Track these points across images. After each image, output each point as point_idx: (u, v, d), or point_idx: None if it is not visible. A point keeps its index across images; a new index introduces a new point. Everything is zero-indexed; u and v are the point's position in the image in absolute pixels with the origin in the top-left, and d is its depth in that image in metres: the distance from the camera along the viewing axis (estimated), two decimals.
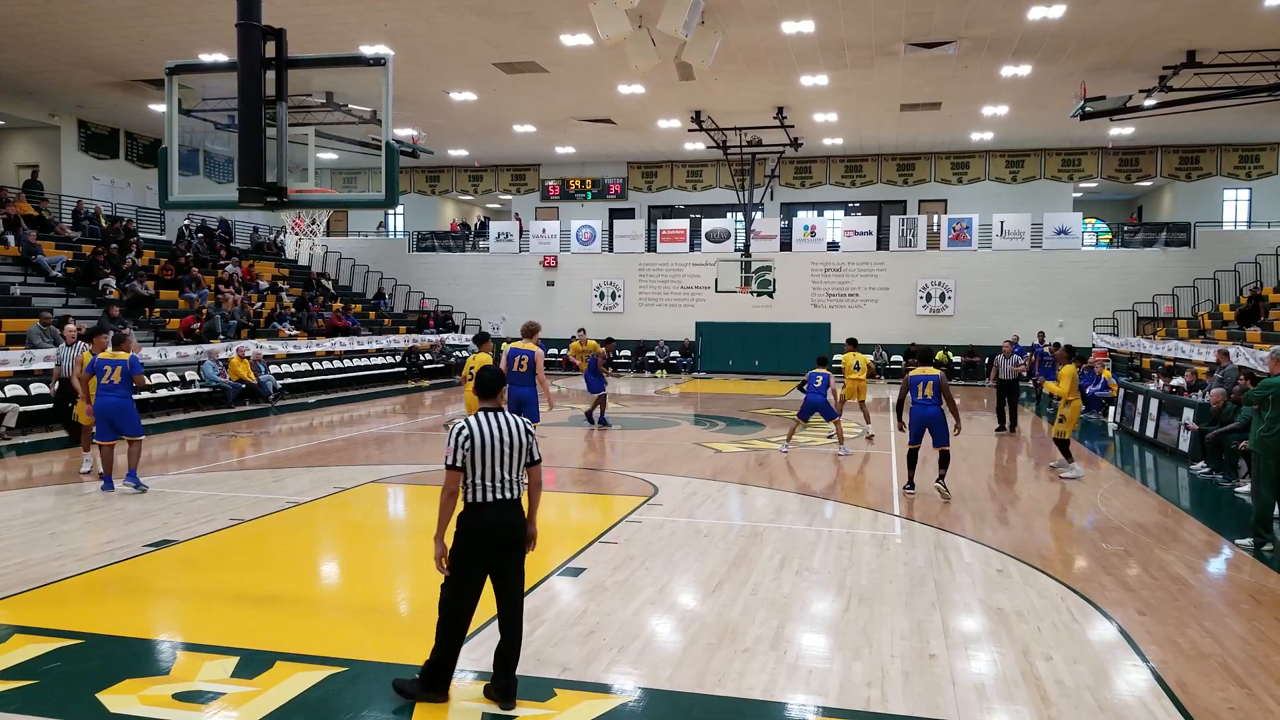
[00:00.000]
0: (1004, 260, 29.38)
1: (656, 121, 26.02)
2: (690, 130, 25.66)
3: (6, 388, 15.23)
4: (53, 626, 5.89)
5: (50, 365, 16.11)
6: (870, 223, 31.03)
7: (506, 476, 4.72)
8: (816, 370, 13.49)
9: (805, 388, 13.56)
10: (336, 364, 24.71)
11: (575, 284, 32.53)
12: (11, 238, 20.88)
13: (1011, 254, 29.34)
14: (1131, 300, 28.32)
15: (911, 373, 10.49)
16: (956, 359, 28.84)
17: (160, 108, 23.33)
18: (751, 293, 27.22)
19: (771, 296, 27.83)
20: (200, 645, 5.64)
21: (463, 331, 32.42)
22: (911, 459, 10.55)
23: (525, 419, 4.93)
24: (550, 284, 32.79)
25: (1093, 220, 36.27)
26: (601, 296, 32.31)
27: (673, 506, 9.81)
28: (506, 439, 4.72)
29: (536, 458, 4.87)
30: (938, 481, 10.34)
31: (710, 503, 10.08)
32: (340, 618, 6.36)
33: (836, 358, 16.67)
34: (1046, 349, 20.79)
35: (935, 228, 30.31)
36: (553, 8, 16.36)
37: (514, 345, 11.61)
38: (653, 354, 30.85)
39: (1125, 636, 6.00)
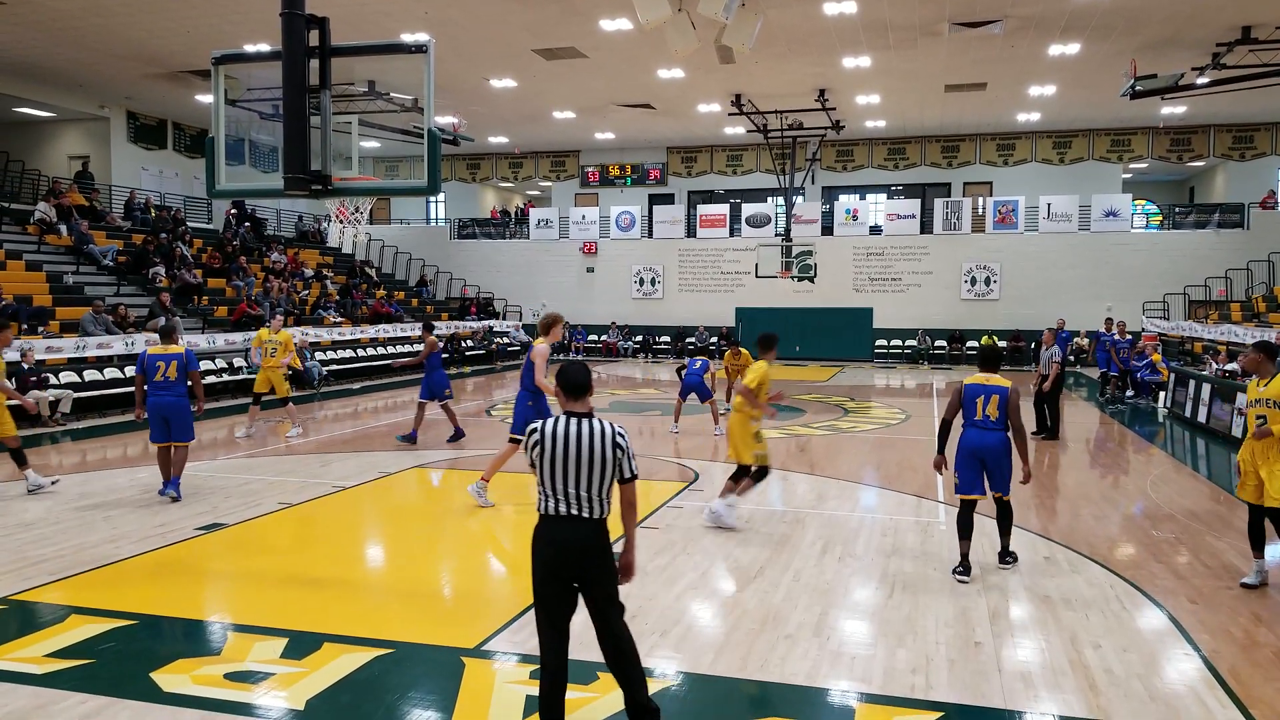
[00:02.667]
0: (1051, 243, 28.83)
1: (696, 106, 25.86)
2: (730, 114, 25.46)
3: (61, 374, 15.62)
4: (108, 607, 6.05)
5: (102, 353, 16.53)
6: (914, 206, 30.61)
7: (581, 493, 4.10)
8: (696, 356, 14.25)
9: (684, 371, 14.27)
10: (380, 350, 25.00)
11: (615, 270, 32.54)
12: (64, 228, 21.37)
13: (1059, 237, 28.78)
14: (1183, 283, 27.64)
15: (967, 381, 7.04)
16: (1002, 344, 28.40)
17: (206, 98, 23.56)
18: (792, 278, 27.01)
19: (813, 281, 27.60)
20: (250, 626, 5.75)
21: (504, 318, 32.62)
22: (966, 522, 6.92)
23: (620, 427, 4.25)
24: (590, 270, 32.82)
25: (1143, 202, 35.44)
26: (641, 283, 32.29)
27: (714, 493, 9.77)
28: (585, 451, 4.10)
29: (628, 475, 4.19)
30: (1005, 559, 7.12)
31: (750, 489, 10.03)
32: (385, 601, 6.45)
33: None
34: (1116, 334, 19.14)
35: (980, 210, 29.82)
36: None
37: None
38: (692, 340, 30.77)
39: (1176, 625, 5.88)
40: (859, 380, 23.73)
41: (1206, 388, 15.10)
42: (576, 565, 4.14)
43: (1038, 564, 7.21)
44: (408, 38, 18.09)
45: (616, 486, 4.24)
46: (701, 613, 6.09)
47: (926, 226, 30.18)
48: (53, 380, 15.31)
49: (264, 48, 17.39)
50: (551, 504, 4.14)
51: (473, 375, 25.03)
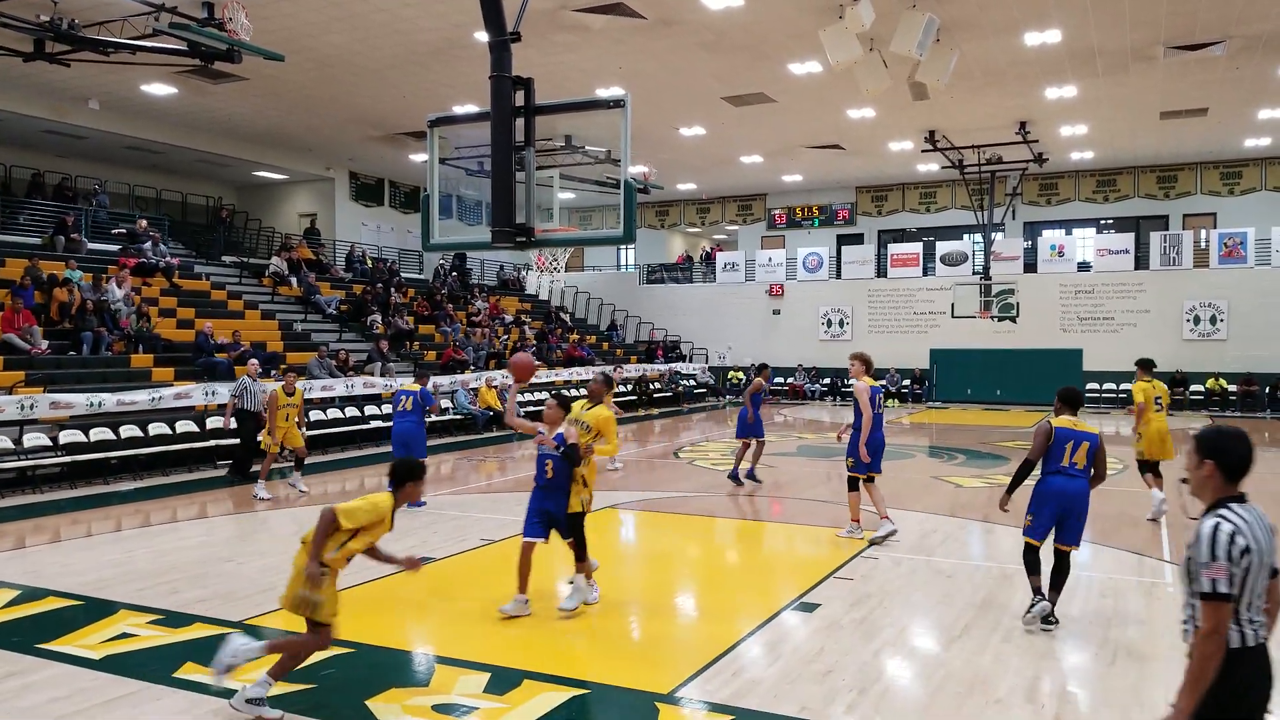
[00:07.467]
0: None
1: (887, 144, 25.37)
2: (924, 150, 24.78)
3: None
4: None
5: (326, 394, 17.97)
6: (1127, 240, 28.55)
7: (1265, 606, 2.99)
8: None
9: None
10: (573, 393, 25.78)
11: (801, 312, 32.17)
12: (294, 280, 23.53)
13: None
14: None
15: (1056, 423, 6.70)
16: (1232, 388, 25.82)
17: (418, 157, 25.55)
18: (992, 317, 25.77)
19: (1014, 321, 26.19)
20: (456, 659, 6.00)
21: (690, 360, 32.92)
22: (1033, 559, 6.73)
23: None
24: (776, 312, 32.63)
25: None
26: (829, 324, 31.74)
27: (910, 544, 9.39)
28: (1268, 540, 2.97)
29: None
30: (1049, 620, 6.57)
31: (951, 541, 9.56)
32: (580, 639, 6.57)
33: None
34: None
35: (1203, 244, 27.41)
36: (781, 38, 16.41)
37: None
38: (883, 382, 29.85)
39: None
40: None
41: None
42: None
43: None
44: (603, 93, 18.84)
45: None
46: (901, 671, 5.82)
47: (1142, 262, 28.03)
48: None
49: (471, 108, 18.59)
50: (1254, 630, 2.93)
51: (660, 417, 25.33)
